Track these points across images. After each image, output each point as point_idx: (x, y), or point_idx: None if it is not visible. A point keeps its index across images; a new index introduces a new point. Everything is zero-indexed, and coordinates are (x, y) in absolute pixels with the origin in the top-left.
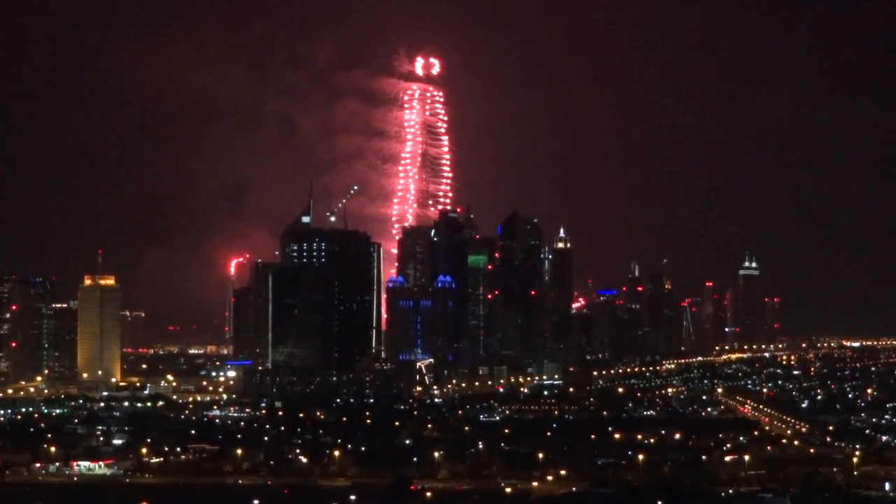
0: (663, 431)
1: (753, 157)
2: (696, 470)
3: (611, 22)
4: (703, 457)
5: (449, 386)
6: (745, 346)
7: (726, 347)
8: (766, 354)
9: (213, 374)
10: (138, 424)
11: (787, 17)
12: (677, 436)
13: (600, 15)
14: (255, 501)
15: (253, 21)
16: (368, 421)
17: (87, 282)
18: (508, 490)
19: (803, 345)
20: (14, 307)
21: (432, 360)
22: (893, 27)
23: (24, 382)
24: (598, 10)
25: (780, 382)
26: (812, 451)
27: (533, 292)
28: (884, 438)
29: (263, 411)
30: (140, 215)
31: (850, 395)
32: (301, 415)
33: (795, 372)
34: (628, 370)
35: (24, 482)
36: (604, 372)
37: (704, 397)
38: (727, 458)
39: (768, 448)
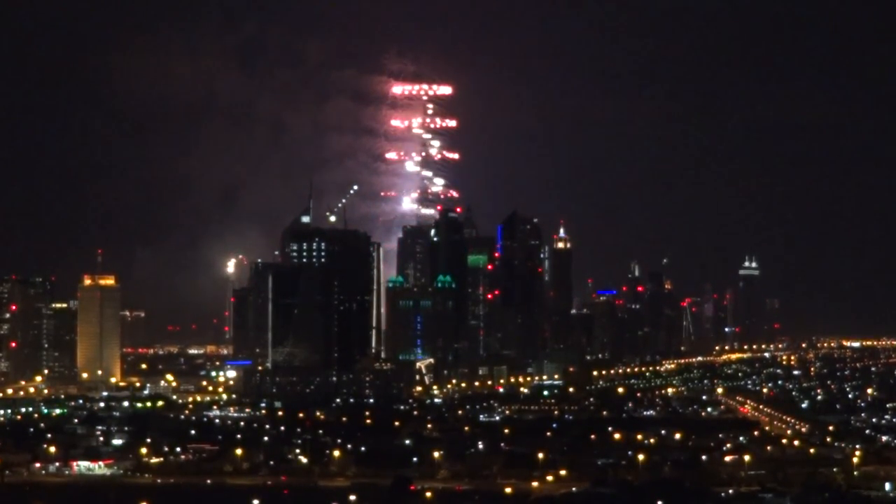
0: (663, 431)
1: (754, 157)
2: (696, 470)
3: (611, 23)
4: (703, 457)
5: (449, 386)
6: (745, 346)
7: (726, 347)
8: (766, 354)
9: (213, 374)
10: (138, 424)
11: (787, 17)
12: (677, 436)
13: (601, 16)
14: (255, 501)
15: (245, 20)
16: (368, 421)
17: (87, 282)
18: (508, 490)
19: (803, 345)
20: (14, 307)
21: (432, 360)
22: (894, 27)
23: (23, 382)
24: (598, 10)
25: (780, 382)
26: (812, 451)
27: (533, 292)
28: (884, 438)
29: (263, 411)
30: (139, 215)
31: (850, 396)
32: (301, 415)
33: (795, 372)
34: (628, 370)
35: (24, 482)
36: (604, 372)
37: (704, 397)
38: (727, 458)
39: (768, 448)
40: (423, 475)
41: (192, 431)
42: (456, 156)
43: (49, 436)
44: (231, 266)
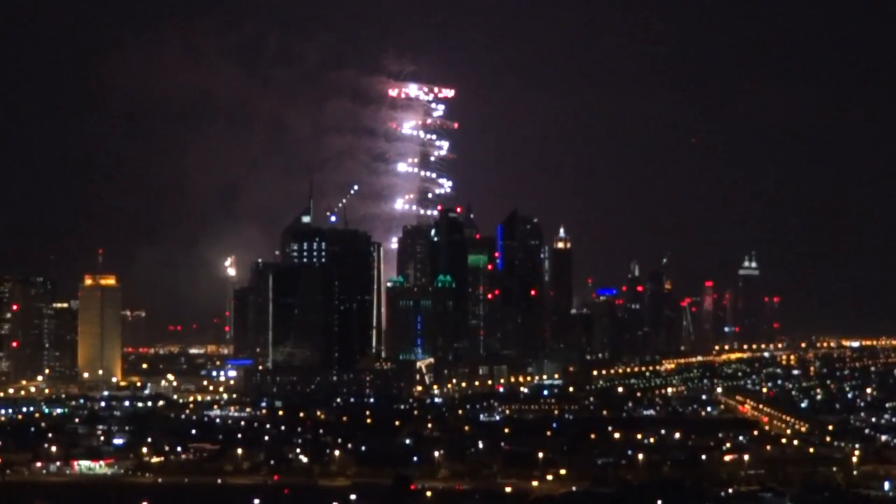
0: (663, 431)
1: (753, 157)
2: (696, 470)
3: (610, 22)
4: (703, 456)
5: (449, 386)
6: (745, 346)
7: (726, 347)
8: (766, 354)
9: (214, 373)
10: (139, 424)
11: (787, 17)
12: (677, 435)
13: (600, 15)
14: (256, 501)
15: (244, 20)
16: (368, 421)
17: (88, 281)
18: (508, 490)
19: (803, 344)
20: (15, 307)
21: (432, 359)
22: (894, 27)
23: (24, 382)
24: (598, 10)
25: (779, 382)
26: (811, 450)
27: (533, 292)
28: (883, 438)
29: (264, 411)
30: (139, 215)
31: (849, 395)
32: (301, 414)
33: (795, 372)
34: (628, 370)
35: (25, 481)
36: (604, 372)
37: (704, 397)
38: (727, 458)
39: (768, 448)
40: (423, 475)
41: (193, 431)
42: (456, 156)
43: (50, 435)
44: (228, 266)
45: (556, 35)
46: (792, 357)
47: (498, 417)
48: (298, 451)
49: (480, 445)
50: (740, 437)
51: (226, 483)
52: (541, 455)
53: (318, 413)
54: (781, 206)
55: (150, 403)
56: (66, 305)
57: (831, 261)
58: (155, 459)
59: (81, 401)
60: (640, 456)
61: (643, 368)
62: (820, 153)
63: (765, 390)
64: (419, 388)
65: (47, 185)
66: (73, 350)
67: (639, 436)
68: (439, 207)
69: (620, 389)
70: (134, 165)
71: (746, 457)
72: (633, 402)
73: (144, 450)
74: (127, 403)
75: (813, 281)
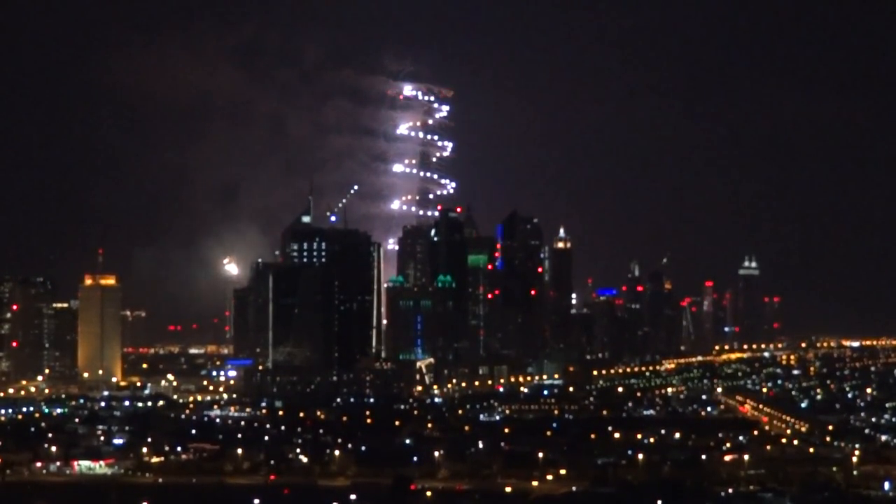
0: (663, 431)
1: (754, 157)
2: (696, 469)
3: (611, 22)
4: (703, 456)
5: (449, 386)
6: (745, 346)
7: (726, 347)
8: (766, 354)
9: (214, 373)
10: (139, 424)
11: (787, 17)
12: (677, 435)
13: (600, 15)
14: (256, 501)
15: (244, 21)
16: (368, 421)
17: (88, 281)
18: (508, 489)
19: (803, 344)
20: (15, 307)
21: (432, 359)
22: (894, 27)
23: (24, 382)
24: (598, 10)
25: (779, 382)
26: (811, 450)
27: (533, 292)
28: (883, 438)
29: (264, 411)
30: (139, 215)
31: (849, 395)
32: (301, 414)
33: (795, 371)
34: (628, 370)
35: (25, 481)
36: (604, 372)
37: (704, 397)
38: (727, 458)
39: (768, 448)
40: (423, 475)
41: (193, 431)
42: (455, 156)
43: (50, 435)
44: (226, 265)
45: (556, 36)
46: (792, 357)
47: (498, 417)
48: (298, 451)
49: (480, 445)
50: (740, 437)
51: (226, 483)
52: (541, 455)
53: (318, 413)
54: (781, 206)
55: (150, 403)
56: (66, 305)
57: (831, 261)
58: (155, 459)
59: (81, 401)
60: (640, 456)
61: (643, 368)
62: (820, 153)
63: (765, 390)
64: (419, 388)
65: (47, 185)
66: (73, 350)
67: (639, 436)
68: (439, 207)
69: (620, 389)
70: (134, 165)
71: (746, 457)
72: (633, 402)
73: (144, 450)
74: (127, 403)
75: (813, 281)
